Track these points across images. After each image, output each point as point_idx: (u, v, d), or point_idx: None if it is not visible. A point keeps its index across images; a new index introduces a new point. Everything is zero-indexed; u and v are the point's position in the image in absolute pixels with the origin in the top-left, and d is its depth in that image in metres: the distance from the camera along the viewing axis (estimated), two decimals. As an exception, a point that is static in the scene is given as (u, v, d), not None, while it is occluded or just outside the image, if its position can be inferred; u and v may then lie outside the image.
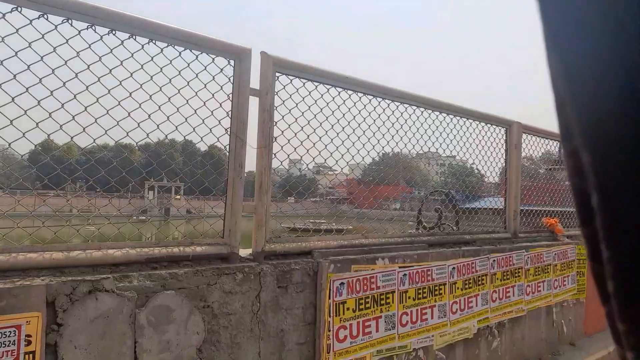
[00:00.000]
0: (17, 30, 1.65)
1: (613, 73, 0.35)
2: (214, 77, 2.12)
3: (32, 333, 1.55)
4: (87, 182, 2.32)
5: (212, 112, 2.13)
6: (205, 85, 2.09)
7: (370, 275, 2.56)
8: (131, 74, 1.91)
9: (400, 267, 2.72)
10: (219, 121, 2.17)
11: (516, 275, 3.68)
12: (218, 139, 2.16)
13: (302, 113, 2.50)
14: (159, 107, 1.98)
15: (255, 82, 2.30)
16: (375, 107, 2.89)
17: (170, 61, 2.00)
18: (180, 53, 2.04)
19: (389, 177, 3.37)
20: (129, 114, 1.92)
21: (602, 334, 4.65)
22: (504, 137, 4.00)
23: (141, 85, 1.93)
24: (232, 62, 2.22)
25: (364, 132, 2.84)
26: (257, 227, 2.31)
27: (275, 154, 2.42)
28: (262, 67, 2.31)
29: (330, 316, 2.37)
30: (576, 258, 4.55)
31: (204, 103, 2.08)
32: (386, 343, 2.62)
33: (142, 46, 1.93)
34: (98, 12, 1.80)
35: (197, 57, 2.11)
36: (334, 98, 2.63)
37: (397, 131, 3.05)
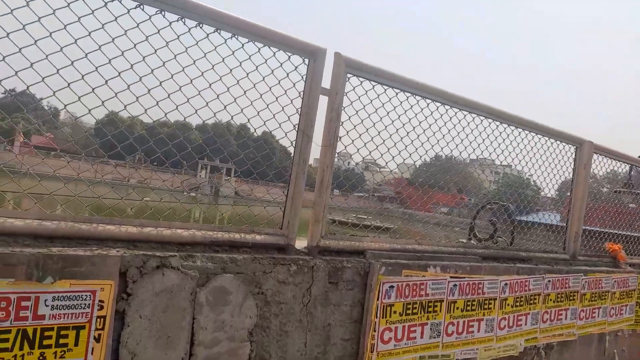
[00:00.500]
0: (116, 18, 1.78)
1: None
2: (288, 74, 2.17)
3: (105, 299, 1.66)
4: (149, 155, 2.46)
5: (283, 108, 2.19)
6: (279, 81, 2.14)
7: (420, 282, 2.55)
8: (213, 66, 2.00)
9: (451, 277, 2.69)
10: (289, 117, 2.22)
11: (571, 298, 3.52)
12: (286, 134, 2.22)
13: (369, 115, 2.51)
14: (235, 100, 2.06)
15: (325, 82, 2.32)
16: (432, 112, 2.82)
17: (250, 56, 2.07)
18: (259, 49, 2.10)
19: (441, 182, 3.22)
20: (207, 103, 2.02)
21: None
22: (573, 156, 3.80)
23: (221, 77, 2.02)
24: (306, 60, 2.25)
25: (418, 136, 2.79)
26: (314, 222, 2.36)
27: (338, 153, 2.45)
28: (334, 67, 2.33)
29: (377, 317, 2.39)
30: (637, 288, 4.27)
31: (277, 99, 2.14)
32: (430, 350, 2.61)
33: (225, 40, 2.01)
34: (187, 4, 1.90)
35: (274, 53, 2.16)
36: (401, 102, 2.60)
37: (454, 138, 2.97)
